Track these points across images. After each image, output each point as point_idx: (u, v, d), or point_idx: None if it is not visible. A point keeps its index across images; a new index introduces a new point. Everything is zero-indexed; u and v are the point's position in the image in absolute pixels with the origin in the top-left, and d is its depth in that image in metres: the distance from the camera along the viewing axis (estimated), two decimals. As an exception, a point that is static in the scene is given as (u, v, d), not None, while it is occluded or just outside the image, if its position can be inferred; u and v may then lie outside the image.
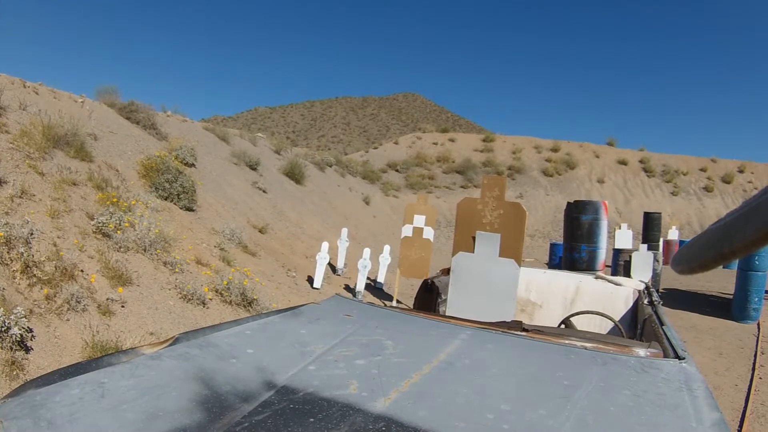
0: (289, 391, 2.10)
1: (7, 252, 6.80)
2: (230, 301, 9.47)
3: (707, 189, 42.95)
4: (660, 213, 21.79)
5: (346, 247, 15.85)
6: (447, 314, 5.14)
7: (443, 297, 5.82)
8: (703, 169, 45.00)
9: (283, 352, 2.57)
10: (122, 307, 7.64)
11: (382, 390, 2.13)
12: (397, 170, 38.42)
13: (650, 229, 20.90)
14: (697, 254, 0.68)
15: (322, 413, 1.90)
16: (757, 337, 12.11)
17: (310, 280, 13.69)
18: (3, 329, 5.58)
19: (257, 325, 2.94)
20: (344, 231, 15.89)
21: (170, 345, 2.46)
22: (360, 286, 13.76)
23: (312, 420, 1.84)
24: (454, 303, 5.41)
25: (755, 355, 10.68)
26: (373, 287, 15.24)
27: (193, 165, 15.27)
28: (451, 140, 46.06)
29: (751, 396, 8.45)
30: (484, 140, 46.57)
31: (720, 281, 19.95)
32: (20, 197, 8.17)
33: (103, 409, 1.82)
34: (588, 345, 3.03)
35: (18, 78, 12.68)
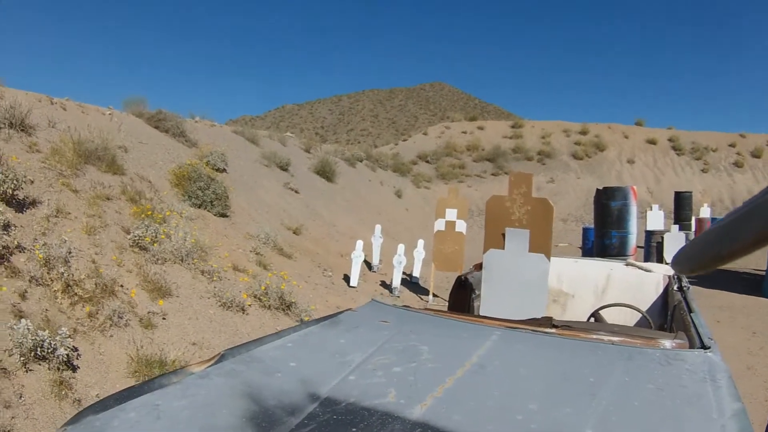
0: (331, 402, 2.14)
1: (47, 272, 6.92)
2: (269, 306, 9.55)
3: (737, 164, 42.43)
4: (690, 192, 21.62)
5: (380, 244, 15.92)
6: (480, 312, 5.26)
7: (477, 293, 5.87)
8: (732, 145, 44.45)
9: (324, 363, 2.62)
10: (163, 319, 7.74)
11: (418, 396, 2.17)
12: (427, 161, 38.43)
13: (681, 208, 20.75)
14: (697, 254, 0.69)
15: (363, 423, 1.95)
16: (791, 315, 11.96)
17: (347, 278, 13.78)
18: (50, 350, 5.69)
19: (298, 336, 2.98)
20: (378, 228, 15.96)
21: (217, 362, 2.51)
22: (396, 281, 13.84)
23: (354, 430, 1.89)
24: (487, 300, 5.44)
25: (789, 334, 10.57)
26: (409, 282, 15.29)
27: (224, 170, 15.39)
28: (480, 128, 45.93)
29: (785, 376, 8.43)
30: (512, 126, 46.42)
31: (754, 258, 19.76)
32: (56, 216, 8.30)
33: (160, 431, 1.88)
34: (615, 339, 3.07)
35: (45, 95, 12.83)
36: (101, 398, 2.12)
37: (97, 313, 6.92)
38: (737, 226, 0.59)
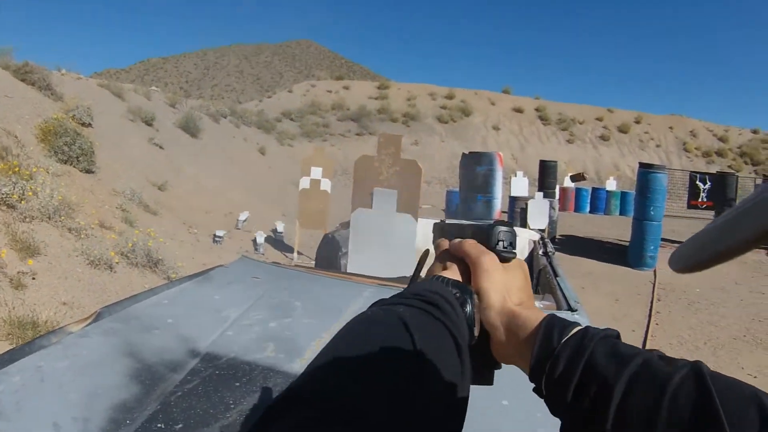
0: (212, 357, 2.25)
1: None
2: (136, 264, 9.57)
3: (603, 138, 44.19)
4: (556, 161, 22.28)
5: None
6: (348, 269, 5.44)
7: (344, 250, 6.07)
8: (599, 119, 46.24)
9: (201, 319, 2.71)
10: (33, 279, 7.69)
11: (297, 351, 2.35)
12: (291, 119, 38.28)
13: (546, 176, 21.46)
14: (694, 253, 0.66)
15: (246, 377, 2.09)
16: (653, 284, 12.75)
17: (212, 235, 13.89)
18: None
19: (172, 293, 3.03)
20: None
21: (94, 321, 2.52)
22: (260, 239, 14.05)
23: (237, 384, 2.02)
24: (355, 258, 5.60)
25: (651, 302, 11.30)
26: (274, 239, 15.49)
27: (89, 125, 15.07)
28: (346, 88, 45.98)
29: (647, 341, 9.03)
30: (379, 87, 46.69)
31: (617, 229, 20.92)
32: None
33: (46, 394, 1.91)
34: None
35: None
36: None
37: (-32, 275, 6.84)
38: (736, 224, 0.58)
